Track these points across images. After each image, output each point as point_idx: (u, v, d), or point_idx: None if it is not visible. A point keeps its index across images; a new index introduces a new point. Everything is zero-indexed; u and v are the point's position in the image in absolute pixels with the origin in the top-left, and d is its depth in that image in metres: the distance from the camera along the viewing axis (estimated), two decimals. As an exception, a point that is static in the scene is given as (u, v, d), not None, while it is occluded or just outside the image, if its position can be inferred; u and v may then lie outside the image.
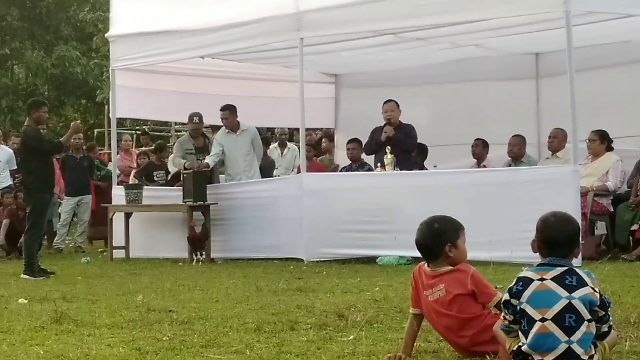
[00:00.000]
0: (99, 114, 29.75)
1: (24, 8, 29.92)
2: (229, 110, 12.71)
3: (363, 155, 12.45)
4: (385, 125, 11.74)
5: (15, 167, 13.97)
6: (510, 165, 11.75)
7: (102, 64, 27.26)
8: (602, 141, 11.06)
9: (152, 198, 12.82)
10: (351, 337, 5.50)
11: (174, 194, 12.65)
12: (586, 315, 4.16)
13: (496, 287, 5.00)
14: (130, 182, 14.13)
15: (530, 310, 4.22)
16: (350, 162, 12.65)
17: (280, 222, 11.56)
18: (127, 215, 12.79)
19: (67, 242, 15.15)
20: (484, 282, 4.85)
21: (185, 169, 12.34)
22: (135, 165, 15.72)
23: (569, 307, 4.15)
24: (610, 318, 4.32)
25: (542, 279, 4.24)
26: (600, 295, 4.24)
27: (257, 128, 13.29)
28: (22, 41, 29.64)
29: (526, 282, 4.28)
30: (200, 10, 12.21)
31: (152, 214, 12.81)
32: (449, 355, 4.94)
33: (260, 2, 11.57)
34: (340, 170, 13.04)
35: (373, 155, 12.02)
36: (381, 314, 6.34)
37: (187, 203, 12.02)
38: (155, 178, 14.26)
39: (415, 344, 4.99)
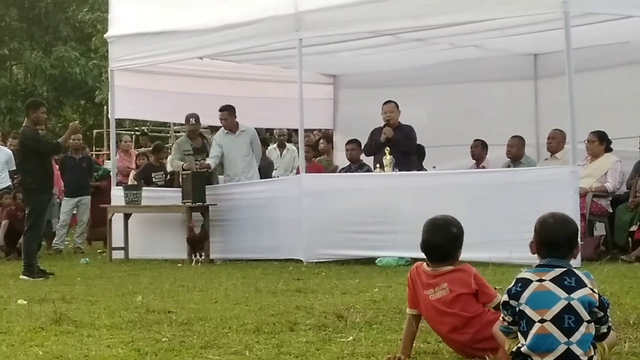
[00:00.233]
0: (98, 114, 29.78)
1: (23, 8, 29.94)
2: (228, 111, 12.71)
3: (362, 156, 12.46)
4: (384, 126, 11.74)
5: (14, 168, 13.96)
6: (509, 166, 11.75)
7: (101, 65, 27.28)
8: (601, 142, 11.06)
9: (151, 199, 12.82)
10: (350, 338, 5.50)
11: (173, 195, 12.64)
12: (585, 316, 4.16)
13: (495, 288, 5.01)
14: (129, 184, 14.13)
15: (529, 312, 4.22)
16: (349, 163, 12.65)
17: (280, 223, 11.56)
18: (126, 216, 12.79)
19: (66, 243, 15.14)
20: (485, 283, 4.88)
21: (183, 170, 12.33)
22: (134, 166, 15.72)
23: (568, 308, 4.15)
24: (610, 319, 4.33)
25: (541, 280, 4.25)
26: (600, 296, 4.24)
27: (255, 129, 13.29)
28: (20, 42, 29.66)
29: (525, 283, 4.28)
30: (198, 11, 12.21)
31: (151, 215, 12.81)
32: (448, 357, 4.94)
33: (258, 3, 11.57)
34: (339, 171, 13.05)
35: (372, 156, 12.02)
36: (380, 315, 6.35)
37: (186, 204, 12.02)
38: (154, 179, 14.25)
39: (414, 344, 5.00)
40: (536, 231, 4.38)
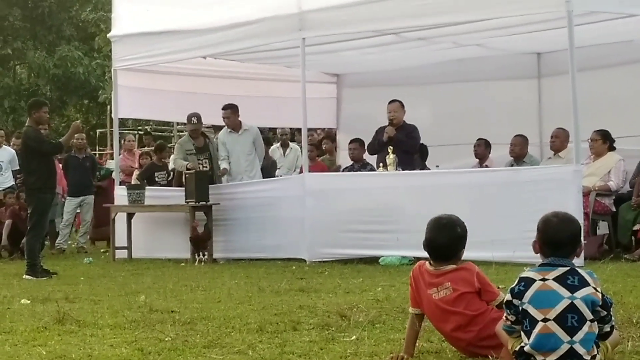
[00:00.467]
0: (101, 114, 29.81)
1: (26, 8, 29.97)
2: (231, 110, 12.72)
3: (366, 155, 12.45)
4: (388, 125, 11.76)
5: (18, 168, 13.98)
6: (512, 165, 11.74)
7: (104, 64, 27.32)
8: (604, 141, 11.05)
9: (155, 198, 12.83)
10: (354, 337, 5.50)
11: (176, 195, 12.65)
12: (588, 315, 4.16)
13: (498, 287, 5.01)
14: (132, 183, 14.13)
15: (532, 311, 4.22)
16: (352, 162, 12.64)
17: (283, 223, 11.56)
18: (130, 216, 12.79)
19: (69, 242, 15.15)
20: (488, 282, 4.88)
21: (187, 169, 12.33)
22: (137, 165, 15.73)
23: (571, 307, 4.15)
24: (613, 318, 4.32)
25: (544, 279, 4.24)
26: (603, 295, 4.24)
27: (259, 128, 13.29)
28: (24, 41, 29.69)
29: (528, 282, 4.28)
30: (202, 10, 12.21)
31: (155, 214, 12.82)
32: (451, 356, 4.94)
33: (262, 2, 11.58)
34: (343, 171, 13.04)
35: (376, 155, 12.03)
36: (384, 314, 6.34)
37: (190, 203, 12.02)
38: (157, 179, 14.25)
39: (417, 344, 4.99)
40: (539, 230, 4.38)
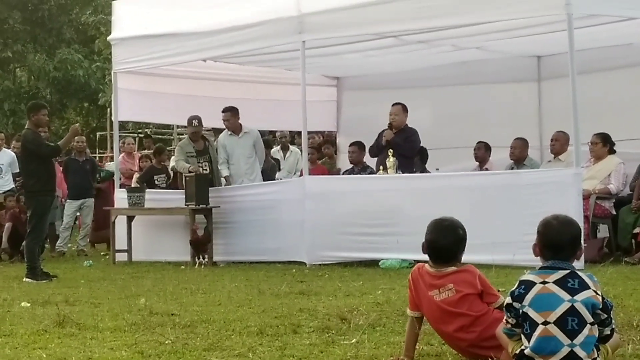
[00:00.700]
0: (101, 117, 29.84)
1: (26, 11, 29.98)
2: (231, 112, 12.74)
3: (366, 158, 12.44)
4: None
5: (18, 171, 13.98)
6: (512, 168, 11.75)
7: (104, 67, 27.33)
8: (604, 144, 11.06)
9: (155, 201, 12.83)
10: (354, 340, 5.50)
11: (176, 197, 12.64)
12: (589, 318, 4.16)
13: (499, 290, 5.01)
14: (132, 186, 14.13)
15: (532, 314, 4.21)
16: (352, 165, 12.64)
17: (283, 225, 11.56)
18: (130, 219, 12.79)
19: (69, 245, 15.15)
20: (489, 284, 4.89)
21: (189, 172, 12.33)
22: (137, 168, 15.73)
23: (572, 310, 4.15)
24: (613, 321, 4.32)
25: (544, 282, 4.24)
26: (603, 298, 4.24)
27: (259, 131, 13.29)
28: (24, 44, 29.71)
29: (528, 285, 4.27)
30: (202, 13, 12.22)
31: (155, 217, 12.81)
32: (452, 359, 4.94)
33: (262, 5, 11.57)
34: (343, 173, 13.04)
35: (376, 158, 12.03)
36: (384, 317, 6.35)
37: (190, 206, 12.02)
38: (156, 182, 14.25)
39: (417, 347, 4.99)
40: (539, 233, 4.38)
